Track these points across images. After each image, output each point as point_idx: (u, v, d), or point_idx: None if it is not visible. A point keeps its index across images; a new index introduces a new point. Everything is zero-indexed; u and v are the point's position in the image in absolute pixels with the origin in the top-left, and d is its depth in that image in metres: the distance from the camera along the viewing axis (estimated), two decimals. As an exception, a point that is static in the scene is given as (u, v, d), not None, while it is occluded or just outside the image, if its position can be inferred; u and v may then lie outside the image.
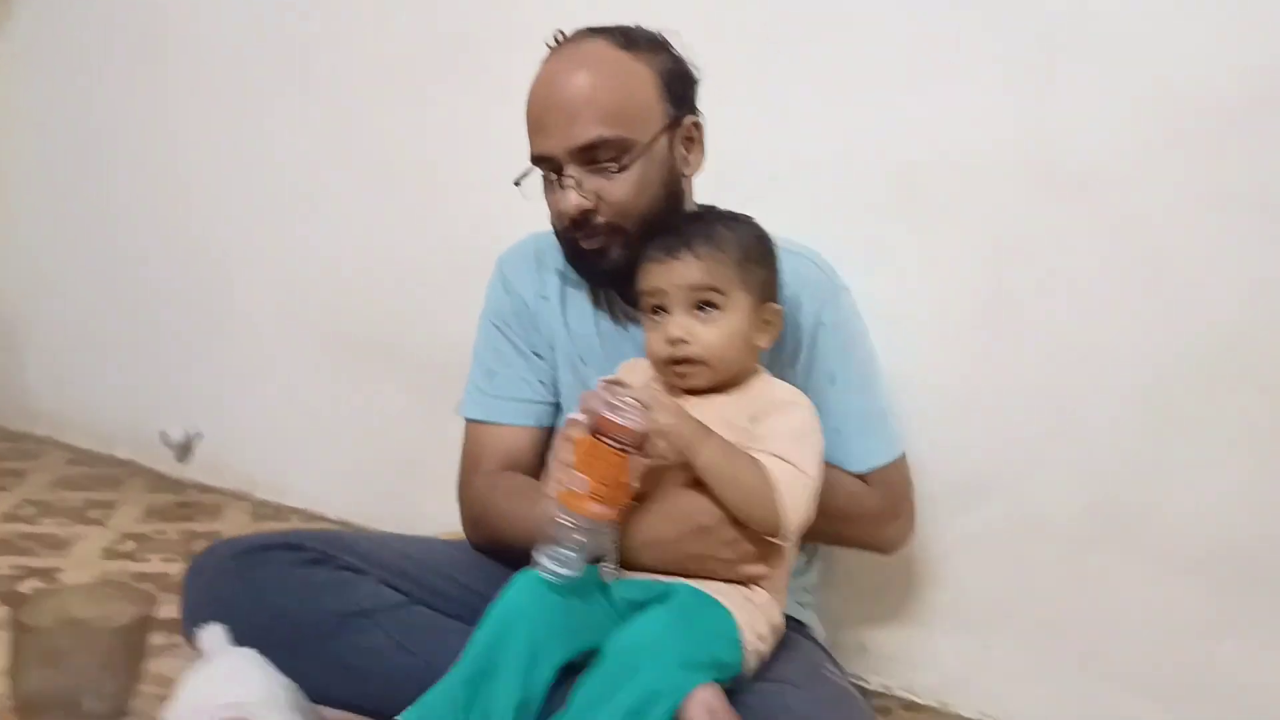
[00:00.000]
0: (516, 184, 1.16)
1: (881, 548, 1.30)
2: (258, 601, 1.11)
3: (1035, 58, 1.33)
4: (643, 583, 1.01)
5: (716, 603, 0.97)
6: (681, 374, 1.04)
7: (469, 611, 1.03)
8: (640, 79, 1.10)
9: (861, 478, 1.22)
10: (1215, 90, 1.24)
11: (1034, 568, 1.41)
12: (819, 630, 1.31)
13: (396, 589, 1.15)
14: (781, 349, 1.17)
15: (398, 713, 0.96)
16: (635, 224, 1.10)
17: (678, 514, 1.01)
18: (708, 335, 1.02)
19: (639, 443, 0.92)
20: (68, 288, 2.55)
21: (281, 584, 1.11)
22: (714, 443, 0.97)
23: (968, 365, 1.42)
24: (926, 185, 1.42)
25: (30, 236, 2.61)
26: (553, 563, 0.93)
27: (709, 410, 1.01)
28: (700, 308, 1.02)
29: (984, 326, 1.40)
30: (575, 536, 0.93)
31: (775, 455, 0.98)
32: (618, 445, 0.91)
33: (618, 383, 0.97)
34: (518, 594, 0.96)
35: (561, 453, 0.98)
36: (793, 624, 1.16)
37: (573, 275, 1.23)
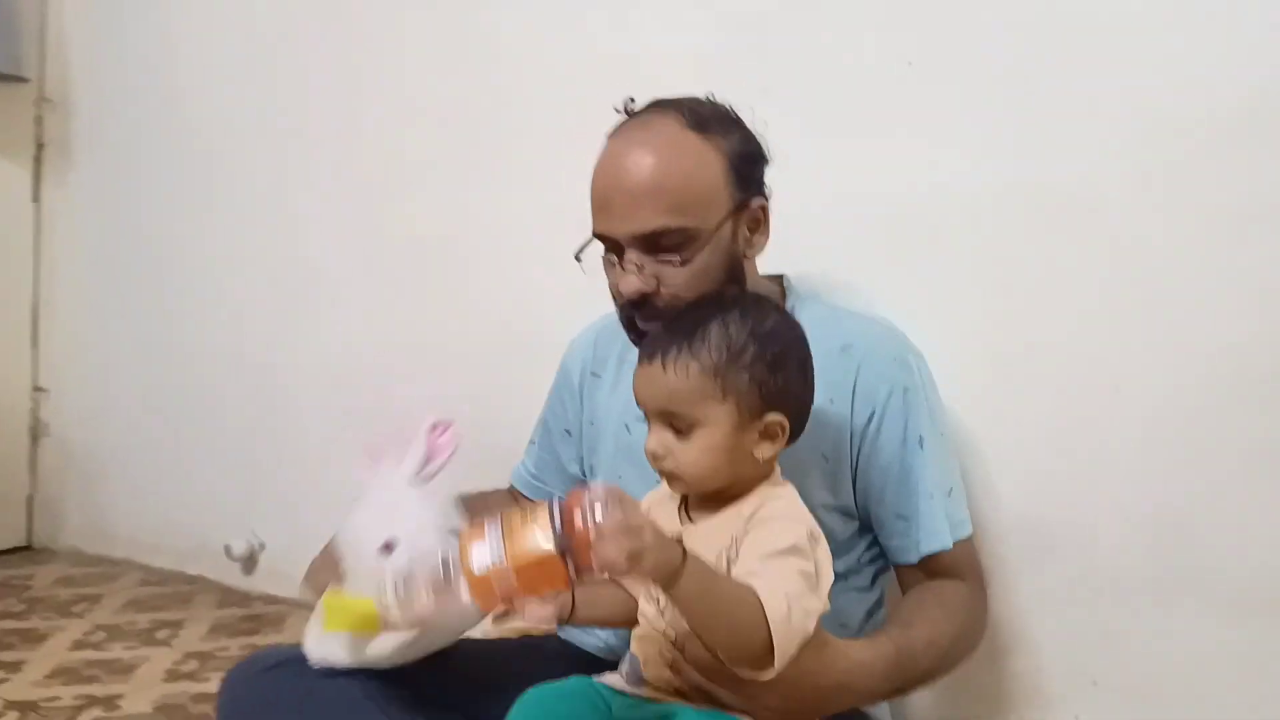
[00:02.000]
0: (577, 258, 1.13)
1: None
2: (292, 714, 1.06)
3: (1023, 86, 1.31)
4: (639, 703, 0.94)
5: (728, 718, 0.89)
6: (666, 479, 0.96)
7: None
8: (709, 164, 1.05)
9: (945, 555, 1.13)
10: (1207, 105, 1.20)
11: (1114, 628, 1.30)
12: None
13: (438, 697, 1.10)
14: (851, 413, 1.11)
15: None
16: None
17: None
18: (683, 453, 0.92)
19: (590, 577, 0.80)
20: (136, 411, 2.62)
21: (315, 695, 1.06)
22: (696, 565, 0.83)
23: (987, 410, 1.34)
24: (921, 223, 1.37)
25: (97, 364, 2.70)
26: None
27: (700, 543, 0.89)
28: (675, 427, 0.93)
29: (1019, 364, 1.34)
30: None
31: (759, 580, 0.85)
32: (571, 574, 0.78)
33: (616, 497, 0.81)
34: (521, 708, 0.91)
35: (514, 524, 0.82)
36: (856, 715, 1.08)
37: (629, 351, 1.21)
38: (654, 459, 0.94)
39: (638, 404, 0.97)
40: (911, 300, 1.32)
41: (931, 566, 1.13)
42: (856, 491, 1.14)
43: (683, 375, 0.91)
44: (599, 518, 0.77)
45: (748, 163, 1.09)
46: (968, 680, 1.25)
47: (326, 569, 1.10)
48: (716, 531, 0.93)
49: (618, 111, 1.12)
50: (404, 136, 2.05)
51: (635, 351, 1.20)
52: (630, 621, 1.03)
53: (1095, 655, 1.31)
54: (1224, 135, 1.19)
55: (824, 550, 0.92)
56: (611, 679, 0.99)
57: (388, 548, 0.97)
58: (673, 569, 0.79)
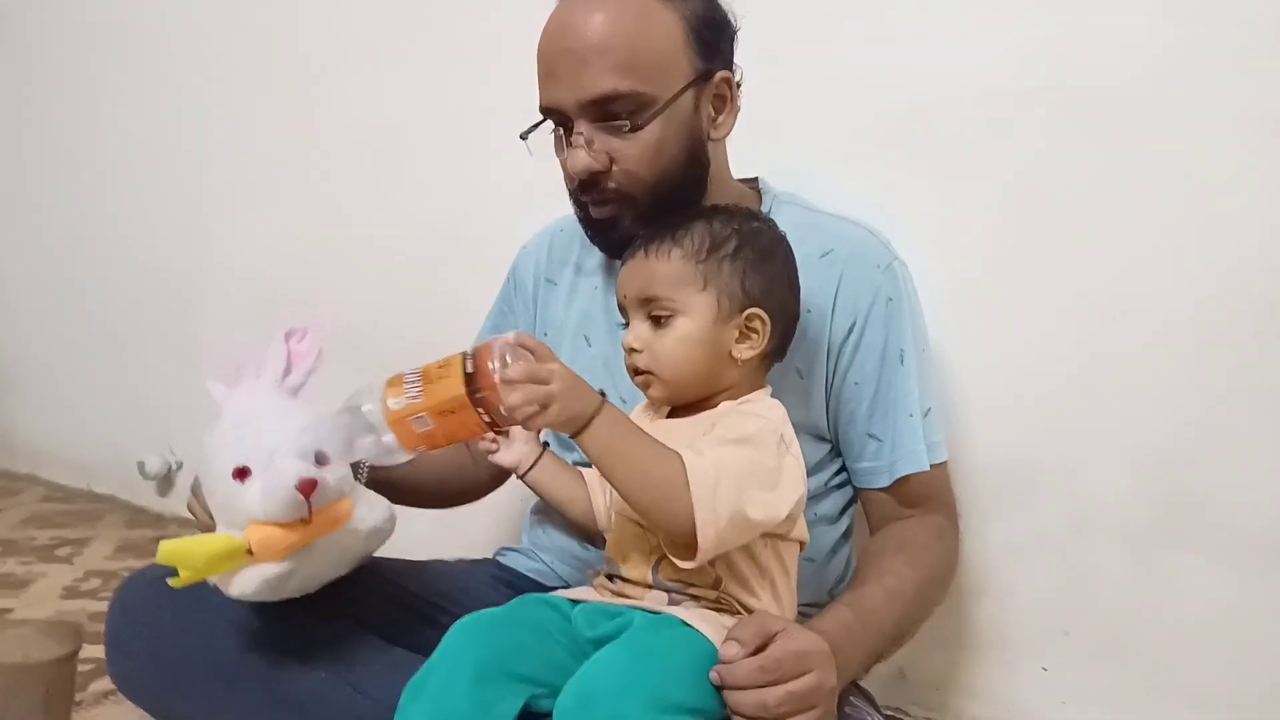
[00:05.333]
0: (523, 138, 1.03)
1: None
2: (179, 626, 0.99)
3: None
4: (600, 608, 0.86)
5: (686, 627, 0.80)
6: (642, 386, 0.91)
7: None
8: (665, 24, 0.96)
9: (919, 479, 1.06)
10: (1241, 11, 1.09)
11: (1090, 572, 1.22)
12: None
13: (351, 617, 1.01)
14: (830, 324, 1.03)
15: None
16: (649, 193, 0.98)
17: None
18: (660, 344, 0.88)
19: (505, 424, 0.80)
20: (40, 316, 2.47)
21: (208, 609, 0.97)
22: (611, 414, 0.81)
23: (996, 331, 1.25)
24: (939, 128, 1.27)
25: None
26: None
27: (670, 433, 0.85)
28: (655, 317, 0.89)
29: (1011, 288, 1.24)
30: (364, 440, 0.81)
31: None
32: (486, 420, 0.79)
33: (526, 345, 0.81)
34: (454, 638, 0.82)
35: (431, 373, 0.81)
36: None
37: (586, 256, 1.14)
38: (630, 353, 0.90)
39: (619, 304, 0.93)
40: (906, 210, 1.22)
41: (904, 492, 1.06)
42: (829, 410, 1.06)
43: (664, 260, 0.89)
44: (506, 364, 0.77)
45: (711, 29, 1.00)
46: (928, 626, 1.16)
47: (195, 503, 1.00)
48: (683, 427, 0.88)
49: None
50: (337, 12, 1.86)
51: (594, 259, 1.15)
52: (587, 515, 1.00)
53: (1068, 604, 1.24)
54: (1266, 26, 1.08)
55: (794, 459, 0.86)
56: (576, 592, 0.92)
57: (241, 473, 0.86)
58: (584, 417, 0.79)
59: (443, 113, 1.73)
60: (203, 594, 0.89)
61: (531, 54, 1.00)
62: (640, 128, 0.95)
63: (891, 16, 1.29)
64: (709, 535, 0.77)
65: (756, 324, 0.89)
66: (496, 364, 0.77)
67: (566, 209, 1.08)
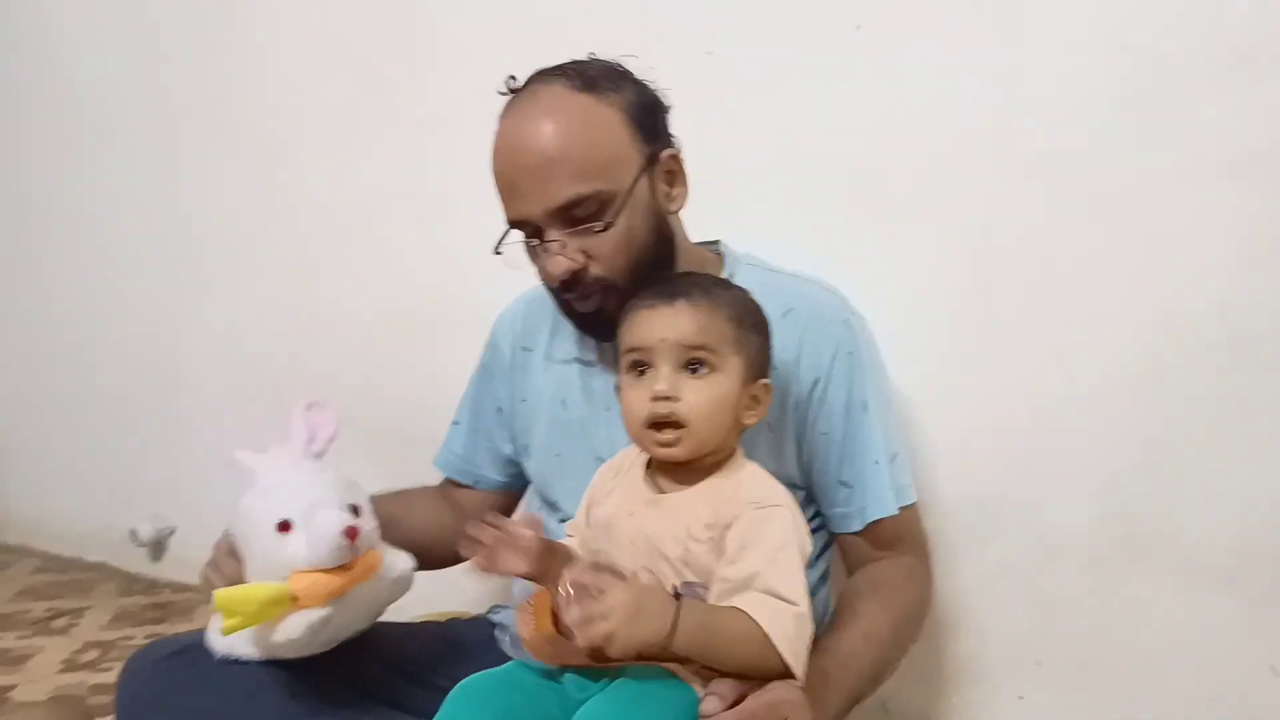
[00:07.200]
0: (497, 251, 1.07)
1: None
2: (190, 703, 0.99)
3: (996, 31, 1.25)
4: (591, 672, 0.88)
5: (672, 677, 0.83)
6: (663, 442, 0.89)
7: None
8: (608, 122, 1.00)
9: (890, 522, 1.09)
10: (1187, 50, 1.15)
11: (1057, 602, 1.27)
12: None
13: (356, 685, 1.05)
14: (797, 380, 1.07)
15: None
16: (627, 276, 1.01)
17: None
18: (696, 395, 0.88)
19: None
20: (28, 391, 2.47)
21: (215, 684, 0.99)
22: (687, 622, 0.80)
23: (954, 374, 1.31)
24: (890, 179, 1.32)
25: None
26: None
27: (668, 517, 0.88)
28: (691, 367, 0.89)
29: (968, 334, 1.30)
30: None
31: (757, 592, 0.83)
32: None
33: (600, 567, 0.83)
34: (453, 705, 0.85)
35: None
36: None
37: (560, 324, 1.16)
38: (661, 401, 0.88)
39: (636, 352, 0.92)
40: (861, 261, 1.27)
41: (876, 535, 1.10)
42: (800, 460, 1.10)
43: (711, 315, 0.90)
44: (566, 612, 0.79)
45: (647, 113, 1.04)
46: (908, 661, 1.21)
47: (223, 560, 1.04)
48: (690, 503, 0.89)
49: (502, 94, 1.05)
50: (304, 88, 1.90)
51: (566, 329, 1.17)
52: None
53: (1039, 634, 1.29)
54: (1208, 77, 1.13)
55: (803, 518, 0.91)
56: None
57: (284, 527, 0.93)
58: (660, 637, 0.78)
59: (413, 185, 1.77)
60: (211, 675, 0.93)
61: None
62: (611, 225, 0.99)
63: (837, 71, 1.34)
64: (799, 665, 0.82)
65: (761, 393, 0.93)
66: (561, 602, 0.80)
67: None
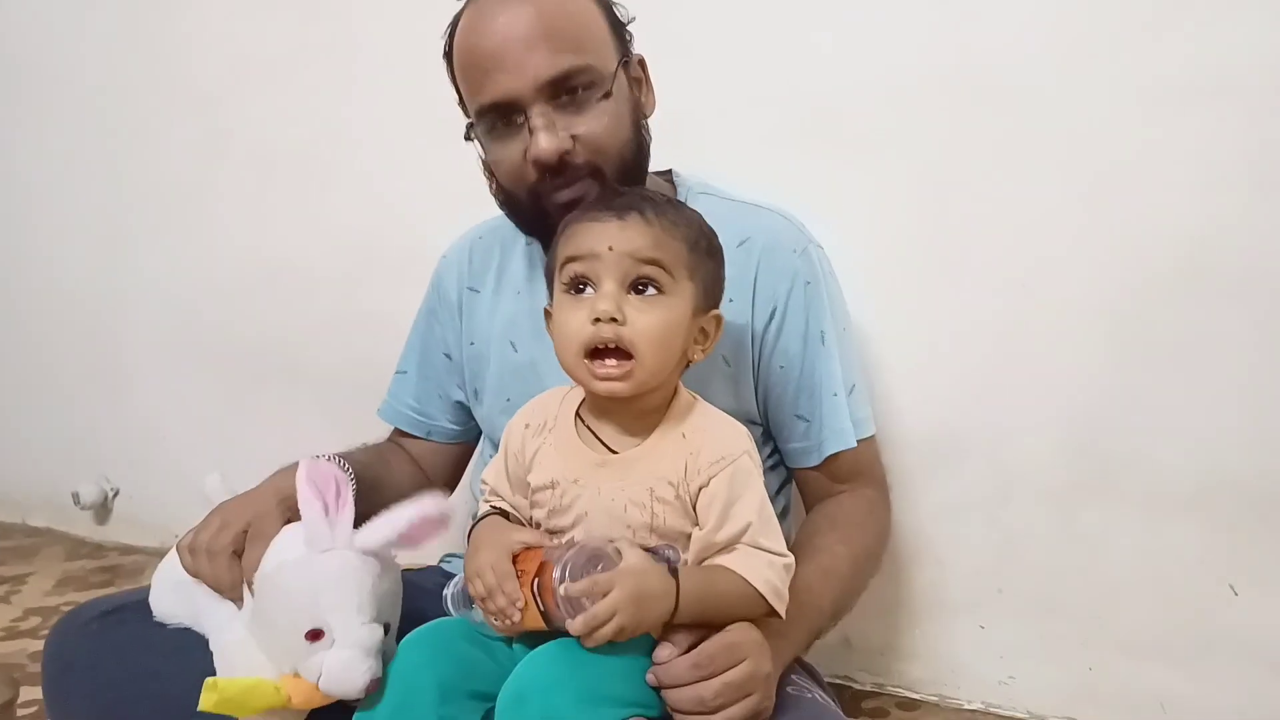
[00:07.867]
0: (468, 138, 1.01)
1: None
2: (123, 662, 0.95)
3: None
4: None
5: None
6: (606, 375, 0.79)
7: None
8: (590, 9, 0.99)
9: (848, 455, 1.08)
10: None
11: (1019, 533, 1.27)
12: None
13: None
14: (752, 312, 1.04)
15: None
16: (614, 166, 0.97)
17: None
18: (645, 319, 0.79)
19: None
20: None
21: (149, 642, 0.95)
22: (688, 594, 0.78)
23: (915, 312, 1.29)
24: (849, 113, 1.29)
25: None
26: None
27: (626, 481, 0.82)
28: (639, 287, 0.80)
29: (929, 266, 1.28)
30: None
31: (746, 546, 0.80)
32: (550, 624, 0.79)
33: (586, 555, 0.78)
34: (409, 653, 0.82)
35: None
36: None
37: (508, 261, 1.13)
38: (605, 323, 0.79)
39: (577, 263, 0.82)
40: (821, 196, 1.23)
41: (834, 469, 1.08)
42: (758, 395, 1.07)
43: (669, 231, 0.81)
44: (569, 625, 0.75)
45: (617, 18, 1.03)
46: (869, 595, 1.20)
47: (223, 560, 0.92)
48: (650, 462, 0.83)
49: None
50: (244, 35, 1.83)
51: (516, 264, 1.13)
52: None
53: (1000, 563, 1.29)
54: (1160, 7, 1.12)
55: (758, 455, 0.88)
56: None
57: (314, 636, 0.84)
58: (665, 617, 0.77)
59: (359, 128, 1.71)
60: (144, 634, 0.88)
61: (443, 78, 1.00)
62: (610, 94, 0.95)
63: (795, 4, 1.31)
64: (784, 606, 0.82)
65: (711, 326, 0.86)
66: (560, 603, 0.76)
67: (486, 216, 1.07)
